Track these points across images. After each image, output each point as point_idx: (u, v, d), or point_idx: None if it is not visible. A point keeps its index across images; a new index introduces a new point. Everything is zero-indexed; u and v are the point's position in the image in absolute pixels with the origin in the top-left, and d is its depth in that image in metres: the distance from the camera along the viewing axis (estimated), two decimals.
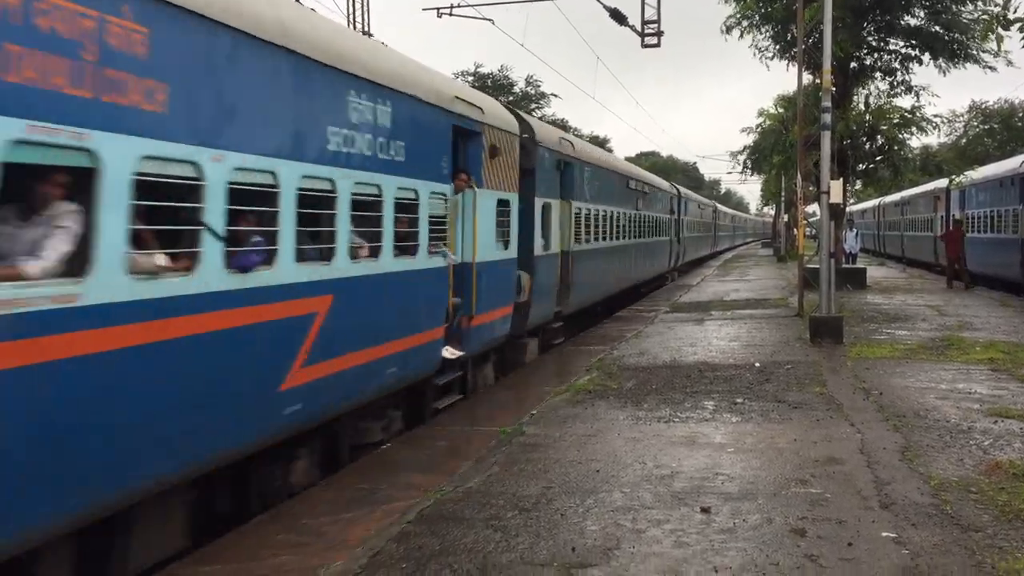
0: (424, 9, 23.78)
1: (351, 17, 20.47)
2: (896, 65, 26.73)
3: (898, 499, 6.48)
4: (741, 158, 34.94)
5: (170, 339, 5.43)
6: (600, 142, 60.95)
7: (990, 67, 25.66)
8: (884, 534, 5.77)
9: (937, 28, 25.70)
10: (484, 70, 54.28)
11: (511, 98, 48.38)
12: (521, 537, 5.85)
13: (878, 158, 28.52)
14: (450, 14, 23.32)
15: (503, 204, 12.16)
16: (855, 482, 6.95)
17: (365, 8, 21.38)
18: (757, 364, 12.87)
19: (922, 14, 25.73)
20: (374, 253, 8.16)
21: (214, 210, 5.80)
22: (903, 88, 26.95)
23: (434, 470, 7.78)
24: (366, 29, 20.76)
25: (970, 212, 29.35)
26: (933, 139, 52.77)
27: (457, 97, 10.42)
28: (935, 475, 7.08)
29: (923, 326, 17.21)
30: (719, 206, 66.98)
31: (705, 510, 6.31)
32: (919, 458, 7.60)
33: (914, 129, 27.56)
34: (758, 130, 33.78)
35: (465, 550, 5.64)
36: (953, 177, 31.58)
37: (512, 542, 5.76)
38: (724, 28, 26.87)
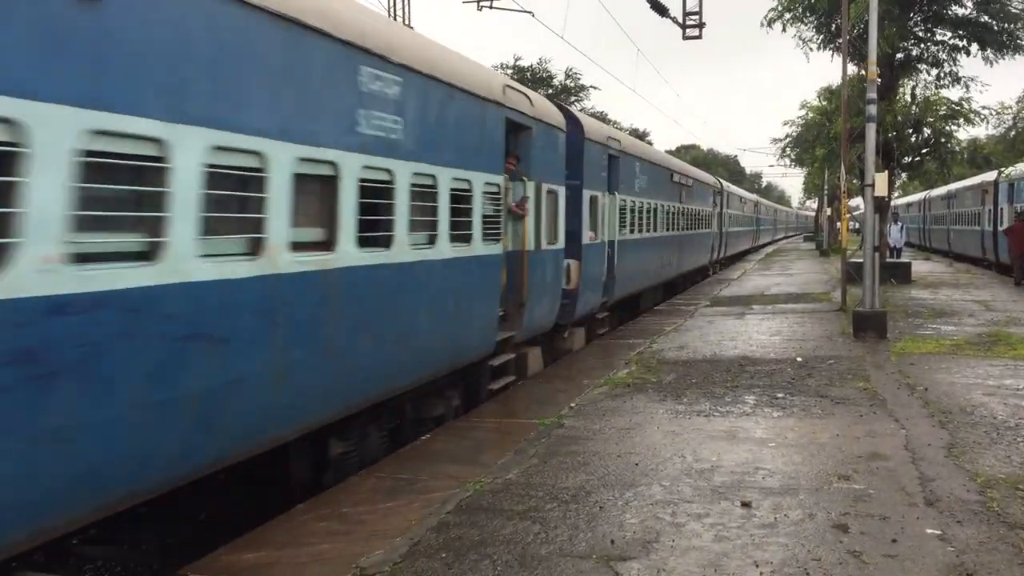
0: (464, 1, 23.77)
1: (391, 9, 20.52)
2: (943, 56, 26.26)
3: (943, 496, 6.38)
4: (781, 143, 34.63)
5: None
6: (640, 135, 60.49)
7: None
8: (929, 531, 5.68)
9: (986, 18, 25.21)
10: (523, 63, 54.27)
11: (550, 91, 48.22)
12: (560, 529, 5.86)
13: (924, 151, 28.03)
14: (490, 7, 23.30)
15: None
16: (899, 478, 6.85)
17: (406, 1, 21.43)
18: (799, 359, 12.74)
19: (970, 4, 25.27)
20: None
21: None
22: (950, 79, 26.46)
23: (473, 461, 7.81)
24: (407, 22, 20.81)
25: (1019, 206, 28.65)
26: (981, 131, 51.71)
27: None
28: (981, 472, 6.96)
29: (970, 321, 16.90)
30: (728, 186, 42.54)
31: (746, 504, 6.26)
32: (965, 455, 7.48)
33: (962, 121, 27.03)
34: (800, 123, 33.44)
35: (504, 541, 5.66)
36: (1002, 169, 30.87)
37: (551, 534, 5.77)
38: (766, 22, 26.63)
